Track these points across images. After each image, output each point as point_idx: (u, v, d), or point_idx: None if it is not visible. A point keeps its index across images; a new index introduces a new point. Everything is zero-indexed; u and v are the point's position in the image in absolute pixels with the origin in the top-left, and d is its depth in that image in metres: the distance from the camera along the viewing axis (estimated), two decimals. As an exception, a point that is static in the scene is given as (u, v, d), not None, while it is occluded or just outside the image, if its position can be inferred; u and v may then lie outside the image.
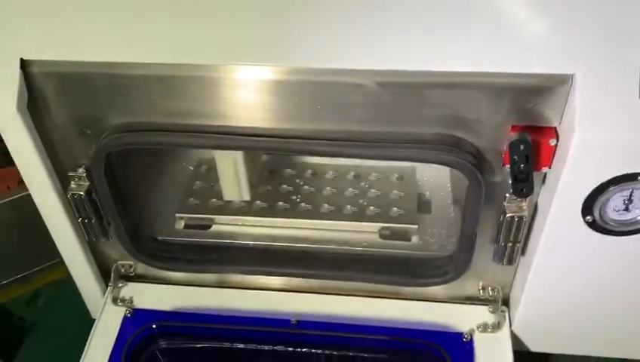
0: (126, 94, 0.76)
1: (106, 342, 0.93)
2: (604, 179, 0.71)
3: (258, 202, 1.01)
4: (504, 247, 0.83)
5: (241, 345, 0.93)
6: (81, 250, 0.93)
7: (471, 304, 0.96)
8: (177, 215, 1.00)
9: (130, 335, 0.92)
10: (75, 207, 0.86)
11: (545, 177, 0.77)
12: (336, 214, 0.99)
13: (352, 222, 0.97)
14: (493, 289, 0.94)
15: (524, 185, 0.74)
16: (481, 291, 0.94)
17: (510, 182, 0.75)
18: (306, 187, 1.04)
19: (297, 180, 1.05)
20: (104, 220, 0.89)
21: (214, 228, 1.00)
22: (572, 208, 0.75)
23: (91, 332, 0.95)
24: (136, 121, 0.78)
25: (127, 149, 0.79)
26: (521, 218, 0.78)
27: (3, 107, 0.74)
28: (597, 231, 0.76)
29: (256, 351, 0.93)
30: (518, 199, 0.78)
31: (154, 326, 0.93)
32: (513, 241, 0.81)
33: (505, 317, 0.94)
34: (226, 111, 0.76)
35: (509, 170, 0.75)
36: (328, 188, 1.03)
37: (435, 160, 0.74)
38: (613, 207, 0.74)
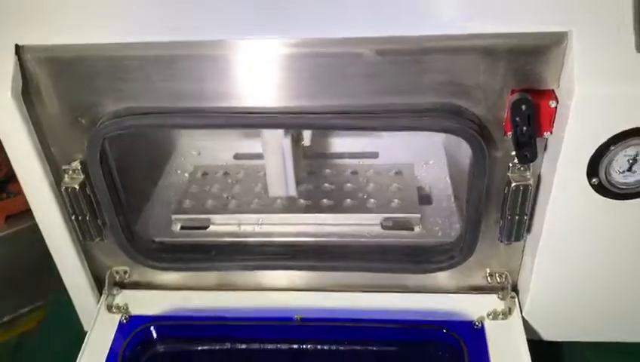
0: (123, 77, 0.75)
1: (100, 349, 0.88)
2: (606, 137, 0.71)
3: (256, 200, 0.99)
4: (510, 222, 0.81)
5: (243, 346, 0.89)
6: (74, 251, 0.90)
7: (479, 293, 0.93)
8: (174, 216, 0.98)
9: (125, 340, 0.88)
10: (68, 203, 0.83)
11: (547, 144, 0.77)
12: (337, 208, 0.97)
13: (354, 215, 0.95)
14: (500, 276, 0.91)
15: (527, 150, 0.74)
16: (488, 278, 0.92)
17: (513, 149, 0.75)
18: (304, 185, 1.02)
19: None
20: (99, 219, 0.86)
21: (212, 228, 0.97)
22: (577, 171, 0.74)
23: (85, 339, 0.90)
24: (133, 107, 0.77)
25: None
26: (526, 187, 0.77)
27: (-3, 93, 0.73)
28: (604, 195, 0.75)
29: (259, 351, 0.89)
30: (522, 168, 0.78)
31: (151, 327, 0.88)
32: (520, 214, 0.80)
33: (515, 302, 0.91)
34: (221, 90, 0.75)
35: (511, 137, 0.74)
36: (326, 184, 1.02)
37: (438, 128, 0.74)
38: (617, 168, 0.73)
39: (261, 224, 0.96)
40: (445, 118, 0.73)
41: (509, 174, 0.78)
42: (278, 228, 0.95)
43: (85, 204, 0.83)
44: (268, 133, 0.86)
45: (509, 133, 0.74)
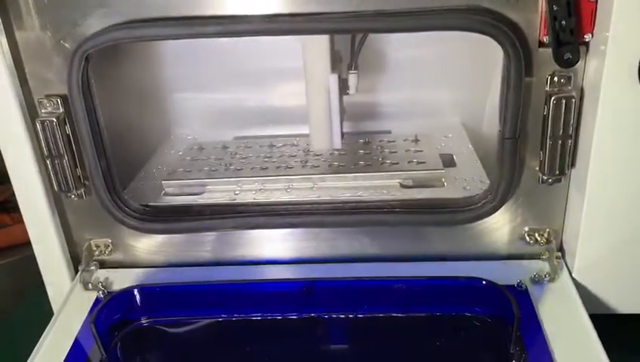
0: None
1: (72, 326, 0.74)
2: (658, 28, 0.62)
3: (258, 166, 0.89)
4: (553, 148, 0.70)
5: (240, 316, 0.74)
6: (48, 210, 0.78)
7: (518, 260, 0.81)
8: (164, 183, 0.86)
9: (103, 316, 0.73)
10: (44, 140, 0.72)
11: (588, 50, 0.67)
12: (349, 169, 0.86)
13: (369, 174, 0.85)
14: (541, 235, 0.79)
15: (569, 49, 0.65)
16: (527, 237, 0.79)
17: (551, 51, 0.66)
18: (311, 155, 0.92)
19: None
20: (78, 167, 0.75)
21: (206, 194, 0.85)
22: (627, 75, 0.64)
23: (54, 316, 0.76)
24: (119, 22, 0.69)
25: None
26: (569, 99, 0.68)
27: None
28: (661, 105, 0.65)
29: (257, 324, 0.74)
30: (562, 80, 0.68)
31: (135, 295, 0.74)
32: (563, 137, 0.69)
33: (562, 264, 0.78)
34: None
35: (548, 40, 0.66)
36: (335, 152, 0.92)
37: (468, 26, 0.65)
38: (674, 69, 0.64)
39: (261, 189, 0.85)
40: (474, 15, 0.64)
41: (547, 89, 0.69)
42: (280, 193, 0.84)
43: (63, 144, 0.73)
44: (311, 67, 0.76)
45: (546, 37, 0.66)
